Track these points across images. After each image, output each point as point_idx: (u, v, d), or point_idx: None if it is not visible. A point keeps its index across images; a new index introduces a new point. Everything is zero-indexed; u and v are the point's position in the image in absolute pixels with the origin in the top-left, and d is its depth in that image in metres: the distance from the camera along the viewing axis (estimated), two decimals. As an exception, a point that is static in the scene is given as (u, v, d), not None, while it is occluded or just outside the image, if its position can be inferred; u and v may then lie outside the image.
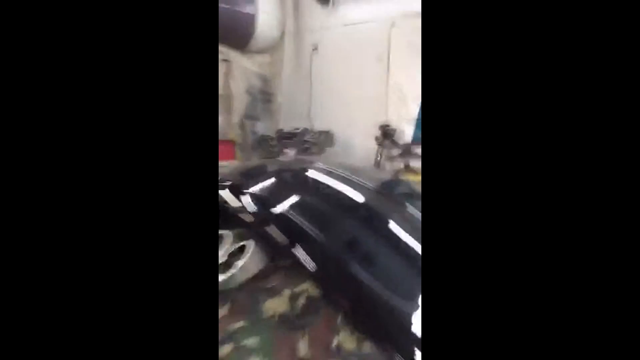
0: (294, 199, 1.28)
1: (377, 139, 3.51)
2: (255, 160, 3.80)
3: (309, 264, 1.01)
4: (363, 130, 3.79)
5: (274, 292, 1.04)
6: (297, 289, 1.04)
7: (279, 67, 4.47)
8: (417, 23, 3.38)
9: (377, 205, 1.32)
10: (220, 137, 3.98)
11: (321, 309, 0.96)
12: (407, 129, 3.58)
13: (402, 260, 1.06)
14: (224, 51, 3.75)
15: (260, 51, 4.19)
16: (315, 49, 4.05)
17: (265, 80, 4.37)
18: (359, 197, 1.33)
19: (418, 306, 0.90)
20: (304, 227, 1.12)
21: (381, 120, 3.62)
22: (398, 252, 1.08)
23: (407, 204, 1.38)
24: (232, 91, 3.93)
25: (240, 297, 1.04)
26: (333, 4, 3.82)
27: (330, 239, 1.09)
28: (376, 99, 3.68)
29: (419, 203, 1.46)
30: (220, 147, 3.98)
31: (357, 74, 3.78)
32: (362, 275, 0.97)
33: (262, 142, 4.30)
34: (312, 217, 1.19)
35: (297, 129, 3.95)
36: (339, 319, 0.94)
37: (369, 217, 1.23)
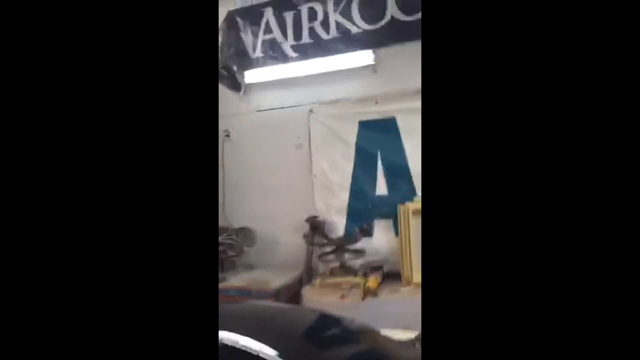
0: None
1: (305, 236, 3.01)
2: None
3: None
4: (288, 225, 3.29)
5: None
6: None
7: (187, 156, 3.91)
8: (334, 110, 3.20)
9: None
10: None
11: None
12: (338, 220, 3.16)
13: None
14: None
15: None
16: (227, 135, 3.60)
17: (170, 172, 3.73)
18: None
19: None
20: None
21: (308, 212, 3.16)
22: None
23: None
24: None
25: None
26: (244, 91, 3.50)
27: None
28: (300, 189, 3.26)
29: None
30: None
31: (276, 162, 3.38)
32: None
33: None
34: None
35: (211, 228, 3.29)
36: None
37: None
